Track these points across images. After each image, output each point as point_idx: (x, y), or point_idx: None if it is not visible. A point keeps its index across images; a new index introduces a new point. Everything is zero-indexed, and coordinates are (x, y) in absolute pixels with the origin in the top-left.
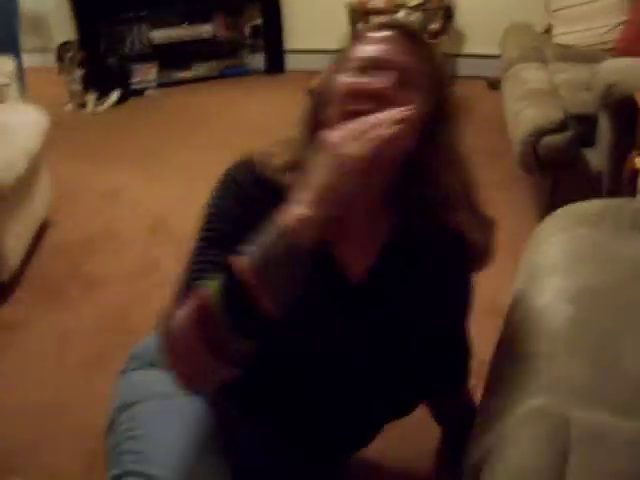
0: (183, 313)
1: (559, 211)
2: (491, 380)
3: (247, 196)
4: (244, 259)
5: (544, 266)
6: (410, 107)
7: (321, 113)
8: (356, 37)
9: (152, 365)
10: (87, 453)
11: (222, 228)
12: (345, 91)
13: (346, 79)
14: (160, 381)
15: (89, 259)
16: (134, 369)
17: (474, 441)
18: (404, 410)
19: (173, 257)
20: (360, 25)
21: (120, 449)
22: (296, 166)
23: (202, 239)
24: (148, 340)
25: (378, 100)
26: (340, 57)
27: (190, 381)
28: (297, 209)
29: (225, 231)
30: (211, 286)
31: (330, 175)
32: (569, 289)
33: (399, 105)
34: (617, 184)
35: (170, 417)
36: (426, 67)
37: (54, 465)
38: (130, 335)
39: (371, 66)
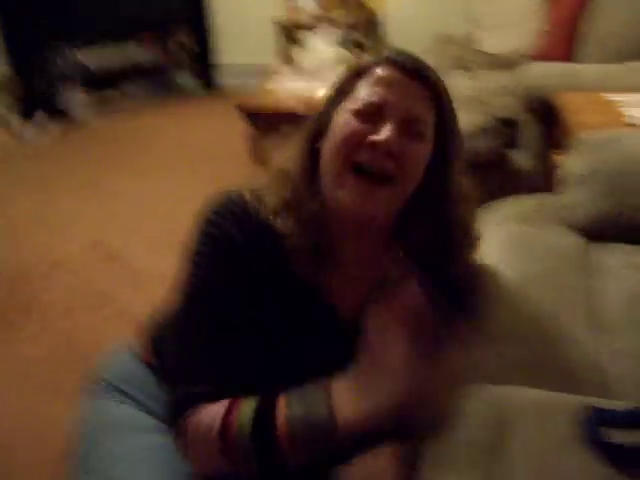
0: (208, 421)
1: (492, 207)
2: None
3: (240, 245)
4: (283, 415)
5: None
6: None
7: (318, 144)
8: (362, 71)
9: (117, 390)
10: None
11: (217, 290)
12: (348, 138)
13: (349, 123)
14: (131, 414)
15: (35, 289)
16: (103, 395)
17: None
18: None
19: (121, 282)
20: (366, 56)
21: None
22: (291, 206)
23: (196, 302)
24: (110, 360)
25: (382, 153)
26: (343, 87)
27: (205, 472)
28: (349, 407)
29: (221, 294)
30: (242, 416)
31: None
32: (506, 278)
33: (404, 157)
34: (541, 181)
35: (142, 460)
36: (434, 110)
37: None
38: (85, 365)
39: (378, 112)
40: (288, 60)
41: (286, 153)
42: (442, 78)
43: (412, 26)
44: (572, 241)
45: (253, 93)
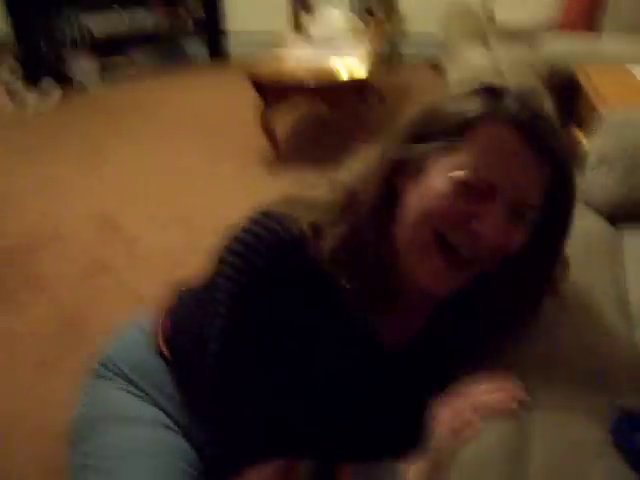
0: None
1: None
2: None
3: (294, 290)
4: None
5: None
6: (524, 396)
7: (399, 181)
8: (476, 122)
9: (127, 379)
10: (43, 457)
11: (257, 315)
12: (445, 214)
13: (448, 196)
14: (136, 405)
15: (35, 261)
16: (108, 378)
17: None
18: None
19: (122, 256)
20: (494, 98)
21: (83, 477)
22: (353, 248)
23: (239, 329)
24: (124, 345)
25: (482, 244)
26: (446, 131)
27: None
28: None
29: (262, 319)
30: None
31: None
32: None
33: (501, 251)
34: None
35: (139, 452)
36: (548, 192)
37: (8, 470)
38: (82, 339)
39: (487, 191)
40: (299, 28)
41: (350, 170)
42: (569, 153)
43: None
44: (595, 224)
45: (262, 62)
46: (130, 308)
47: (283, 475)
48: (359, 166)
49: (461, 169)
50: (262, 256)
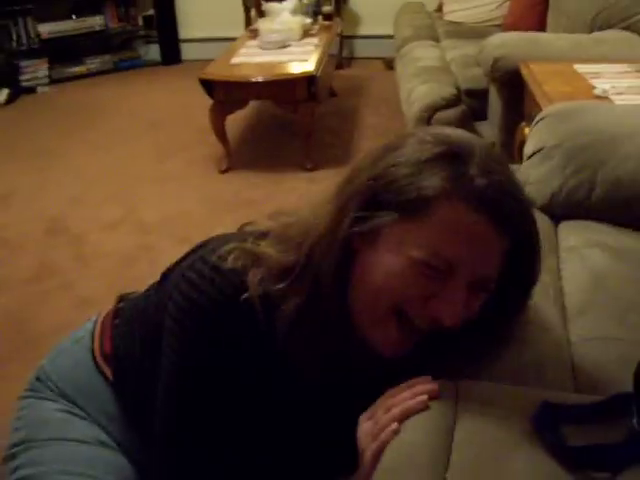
0: None
1: None
2: None
3: (231, 332)
4: None
5: None
6: (436, 390)
7: (356, 244)
8: (436, 199)
9: (65, 396)
10: None
11: (205, 377)
12: (404, 291)
13: (407, 275)
14: (74, 424)
15: None
16: (44, 397)
17: None
18: None
19: (71, 258)
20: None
21: None
22: (308, 312)
23: (188, 389)
24: (62, 359)
25: (434, 322)
26: (407, 199)
27: None
28: None
29: (210, 381)
30: None
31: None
32: None
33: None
34: (509, 154)
35: (82, 474)
36: (507, 255)
37: None
38: (28, 341)
39: (447, 270)
40: (253, 33)
41: (306, 224)
42: (533, 219)
43: None
44: (537, 219)
45: (213, 63)
46: (77, 311)
47: None
48: (313, 221)
49: (419, 246)
50: (207, 318)
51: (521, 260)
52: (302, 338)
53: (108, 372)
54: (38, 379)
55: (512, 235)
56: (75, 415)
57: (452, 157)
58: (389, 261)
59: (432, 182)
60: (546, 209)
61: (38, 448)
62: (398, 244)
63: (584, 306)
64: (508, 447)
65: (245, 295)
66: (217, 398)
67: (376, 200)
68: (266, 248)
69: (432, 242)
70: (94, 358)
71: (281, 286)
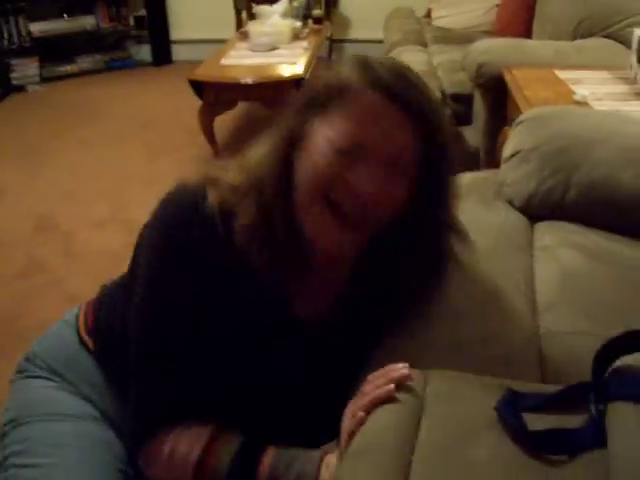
0: (183, 451)
1: None
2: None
3: (195, 245)
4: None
5: None
6: (407, 375)
7: (292, 156)
8: (344, 89)
9: (54, 372)
10: None
11: (174, 295)
12: (326, 175)
13: (327, 157)
14: (62, 399)
15: None
16: (32, 375)
17: None
18: None
19: (60, 255)
20: (353, 72)
21: (6, 475)
22: (261, 223)
23: (155, 317)
24: (49, 339)
25: (361, 200)
26: (319, 99)
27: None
28: None
29: (179, 300)
30: (222, 460)
31: None
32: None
33: (380, 207)
34: (492, 158)
35: (70, 447)
36: (421, 146)
37: None
38: (17, 335)
39: (360, 152)
40: (243, 35)
41: (254, 152)
42: (437, 107)
43: (368, 0)
44: (513, 219)
45: (203, 64)
46: (65, 307)
47: (201, 447)
48: (261, 148)
49: (335, 134)
50: (173, 235)
51: (432, 157)
52: (254, 241)
53: (90, 344)
54: (27, 359)
55: (420, 121)
56: (64, 390)
57: (363, 61)
58: (312, 151)
59: (342, 79)
60: (523, 210)
61: (26, 424)
62: (319, 136)
63: (554, 301)
64: (473, 432)
65: (205, 206)
66: (185, 315)
67: (304, 106)
68: (220, 172)
69: (345, 128)
70: (79, 334)
71: (237, 199)
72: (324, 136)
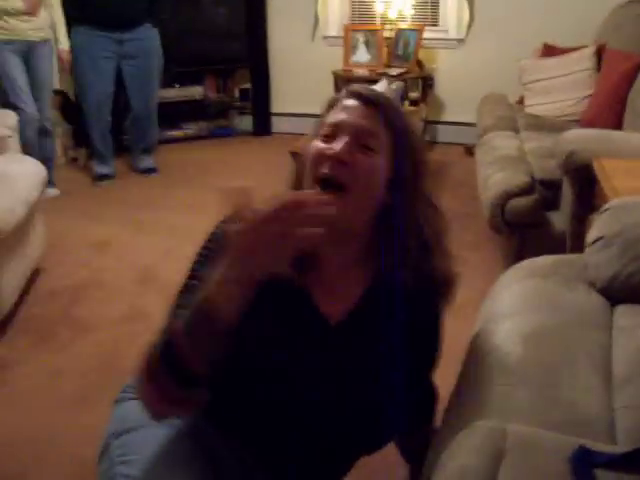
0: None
1: (516, 265)
2: (448, 408)
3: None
4: (179, 322)
5: (498, 312)
6: (331, 209)
7: (303, 174)
8: (333, 103)
9: None
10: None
11: (200, 276)
12: (315, 156)
13: (317, 145)
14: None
15: (78, 305)
16: (129, 398)
17: (428, 459)
18: (373, 446)
19: (159, 305)
20: (335, 93)
21: (112, 472)
22: None
23: (183, 285)
24: None
25: (336, 162)
26: (318, 122)
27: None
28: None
29: (202, 279)
30: (157, 342)
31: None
32: (519, 331)
33: (356, 167)
34: (579, 243)
35: (161, 450)
36: (387, 131)
37: None
38: (117, 375)
39: (336, 132)
40: None
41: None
42: (397, 106)
43: (465, 85)
44: (592, 299)
45: (303, 137)
46: None
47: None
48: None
49: (323, 127)
50: (209, 236)
51: (401, 145)
52: None
53: None
54: (128, 385)
55: (377, 106)
56: None
57: (350, 86)
58: (311, 148)
59: (334, 95)
60: (604, 292)
61: (126, 433)
62: (315, 138)
63: (631, 376)
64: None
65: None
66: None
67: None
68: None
69: (328, 122)
70: None
71: None
72: (317, 136)
